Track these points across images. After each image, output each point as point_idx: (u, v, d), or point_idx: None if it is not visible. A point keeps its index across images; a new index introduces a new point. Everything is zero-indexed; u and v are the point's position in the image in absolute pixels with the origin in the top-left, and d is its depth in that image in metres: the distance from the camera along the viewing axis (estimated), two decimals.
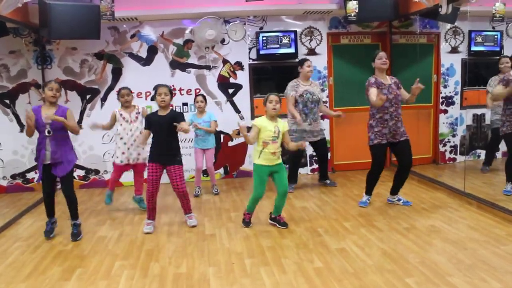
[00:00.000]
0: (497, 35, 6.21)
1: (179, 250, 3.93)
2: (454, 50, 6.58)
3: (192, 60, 6.47)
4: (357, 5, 5.63)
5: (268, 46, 6.38)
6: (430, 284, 3.07)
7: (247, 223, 4.47)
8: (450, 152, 6.85)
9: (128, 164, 5.07)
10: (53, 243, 4.20)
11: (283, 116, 5.28)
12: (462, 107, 6.68)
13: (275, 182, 4.36)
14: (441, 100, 6.73)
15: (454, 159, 6.87)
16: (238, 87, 6.58)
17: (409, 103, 4.78)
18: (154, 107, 6.28)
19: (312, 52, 6.57)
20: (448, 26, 6.44)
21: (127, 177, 5.63)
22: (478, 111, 6.46)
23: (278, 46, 6.40)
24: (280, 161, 4.31)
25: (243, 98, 6.58)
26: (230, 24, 6.42)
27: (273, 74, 6.73)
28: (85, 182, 6.45)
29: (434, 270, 3.28)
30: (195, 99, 5.69)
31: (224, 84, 6.55)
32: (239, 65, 6.53)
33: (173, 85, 6.38)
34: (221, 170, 6.68)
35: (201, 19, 6.15)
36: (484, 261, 3.39)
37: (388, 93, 4.61)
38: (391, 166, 6.67)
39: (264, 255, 3.71)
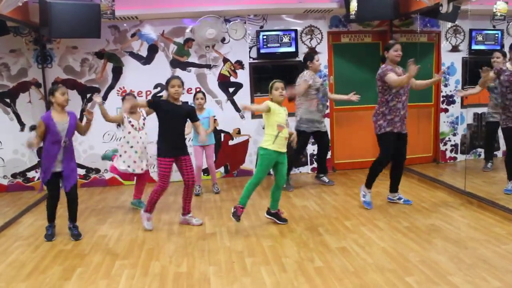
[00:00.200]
0: (497, 33, 6.21)
1: (179, 249, 3.93)
2: (454, 49, 6.57)
3: (193, 59, 6.46)
4: (356, 4, 5.64)
5: (268, 45, 6.37)
6: (430, 283, 3.07)
7: (238, 217, 4.30)
8: (451, 151, 6.85)
9: (135, 173, 5.04)
10: (54, 242, 4.20)
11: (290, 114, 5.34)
12: (462, 106, 6.67)
13: (276, 173, 4.37)
14: (441, 99, 6.72)
15: (454, 158, 6.86)
16: (238, 86, 6.58)
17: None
18: None
19: (312, 51, 6.56)
20: (449, 25, 6.43)
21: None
22: (479, 110, 6.45)
23: (279, 45, 6.40)
24: (285, 149, 4.34)
25: (243, 97, 6.57)
26: (231, 23, 6.42)
27: (273, 73, 6.70)
28: (86, 181, 6.45)
29: (435, 269, 3.28)
30: (194, 95, 5.69)
31: (224, 83, 6.54)
32: (239, 64, 6.53)
33: None
34: (222, 169, 6.68)
35: (201, 18, 6.14)
36: (484, 260, 3.38)
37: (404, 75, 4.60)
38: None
39: (265, 254, 3.71)
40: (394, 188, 5.00)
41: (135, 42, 6.35)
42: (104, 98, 6.34)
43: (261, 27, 6.49)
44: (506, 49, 6.04)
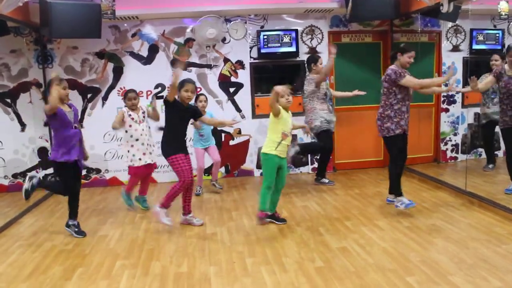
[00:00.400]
0: (498, 33, 6.20)
1: (180, 249, 3.93)
2: (455, 48, 6.57)
3: (193, 59, 6.46)
4: (351, 5, 5.71)
5: (269, 45, 6.37)
6: (431, 283, 3.07)
7: (262, 218, 4.28)
8: (452, 151, 6.84)
9: (150, 164, 5.06)
10: (54, 242, 4.20)
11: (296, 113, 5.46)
12: (463, 105, 6.67)
13: (276, 177, 4.35)
14: (442, 99, 6.71)
15: (455, 158, 6.86)
16: (239, 86, 6.58)
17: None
18: (157, 105, 6.33)
19: (313, 50, 6.56)
20: (450, 24, 6.43)
21: (127, 176, 5.61)
22: (480, 110, 6.43)
23: (279, 44, 6.39)
24: (285, 155, 4.36)
25: (244, 97, 6.57)
26: (231, 22, 6.42)
27: (274, 73, 6.72)
28: (86, 181, 6.44)
29: (435, 269, 3.28)
30: (197, 98, 5.56)
31: (225, 83, 6.54)
32: (240, 64, 6.53)
33: None
34: (222, 169, 6.68)
35: (201, 17, 6.14)
36: (485, 260, 3.38)
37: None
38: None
39: (265, 254, 3.71)
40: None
41: (136, 42, 6.35)
42: (105, 98, 6.35)
43: (262, 27, 6.49)
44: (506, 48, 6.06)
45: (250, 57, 6.53)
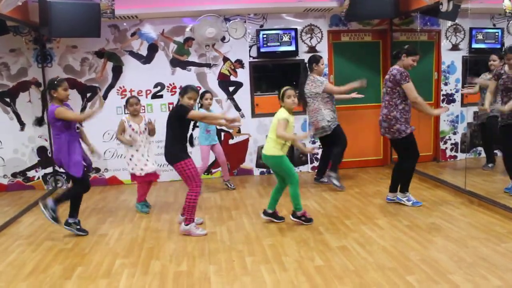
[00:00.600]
0: (498, 32, 6.20)
1: (179, 248, 3.93)
2: (455, 47, 6.57)
3: (193, 58, 6.46)
4: (348, 3, 5.70)
5: (268, 44, 6.37)
6: (431, 281, 3.07)
7: (307, 218, 4.38)
8: (451, 149, 6.85)
9: (152, 173, 5.04)
10: (54, 241, 4.21)
11: (295, 112, 5.43)
12: (462, 104, 6.67)
13: (278, 176, 4.41)
14: (441, 98, 6.71)
15: (455, 157, 6.86)
16: (238, 85, 6.58)
17: None
18: (155, 104, 6.33)
19: (312, 49, 6.56)
20: (449, 23, 6.43)
21: (128, 176, 5.61)
22: (478, 109, 6.44)
23: (279, 44, 6.39)
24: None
25: (243, 96, 6.57)
26: (231, 22, 6.41)
27: (273, 72, 6.72)
28: None
29: (435, 267, 3.28)
30: (203, 95, 5.52)
31: (224, 82, 6.54)
32: (239, 63, 6.53)
33: (173, 83, 6.39)
34: (221, 167, 6.67)
35: (201, 17, 6.14)
36: (485, 259, 3.38)
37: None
38: (391, 163, 6.67)
39: (265, 253, 3.71)
40: (394, 188, 4.99)
41: (135, 41, 6.34)
42: (104, 97, 6.34)
43: (261, 26, 6.48)
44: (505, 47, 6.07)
45: (250, 56, 6.53)
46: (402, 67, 4.60)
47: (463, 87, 6.55)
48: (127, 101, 5.05)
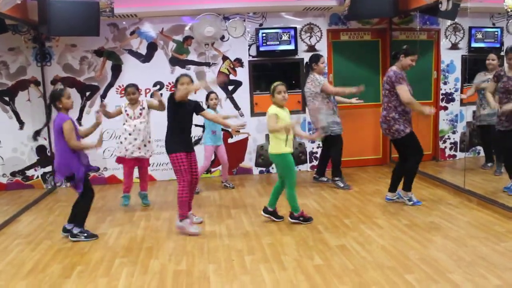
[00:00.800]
0: (497, 31, 6.20)
1: (179, 247, 3.93)
2: (454, 46, 6.57)
3: (192, 57, 6.45)
4: (350, 1, 5.69)
5: (268, 43, 6.37)
6: (430, 280, 3.07)
7: (306, 218, 4.38)
8: (450, 149, 6.85)
9: (136, 158, 5.09)
10: (53, 240, 4.20)
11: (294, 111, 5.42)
12: (462, 103, 6.67)
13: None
14: (441, 97, 6.72)
15: (454, 156, 6.86)
16: (238, 84, 6.57)
17: None
18: (154, 103, 6.31)
19: (312, 48, 6.56)
20: (448, 22, 6.42)
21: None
22: (475, 111, 6.44)
23: (278, 42, 6.39)
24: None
25: (242, 95, 6.57)
26: (230, 20, 6.41)
27: (273, 70, 6.72)
28: None
29: (434, 266, 3.28)
30: (208, 96, 5.60)
31: (225, 82, 6.53)
32: (238, 61, 6.52)
33: (172, 82, 6.38)
34: (221, 167, 6.66)
35: (200, 15, 6.13)
36: (484, 258, 3.39)
37: (407, 85, 4.60)
38: (391, 162, 6.68)
39: (264, 252, 3.71)
40: (394, 188, 4.99)
41: (134, 40, 6.34)
42: (104, 96, 6.35)
43: (261, 24, 6.48)
44: (505, 46, 6.07)
45: (249, 55, 6.52)
46: (401, 68, 4.62)
47: (461, 92, 6.55)
48: (125, 89, 5.17)
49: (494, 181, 5.59)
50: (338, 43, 6.73)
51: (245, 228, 4.35)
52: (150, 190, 5.47)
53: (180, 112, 4.30)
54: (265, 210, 4.53)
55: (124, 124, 5.08)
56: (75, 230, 4.20)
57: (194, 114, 4.44)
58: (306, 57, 6.48)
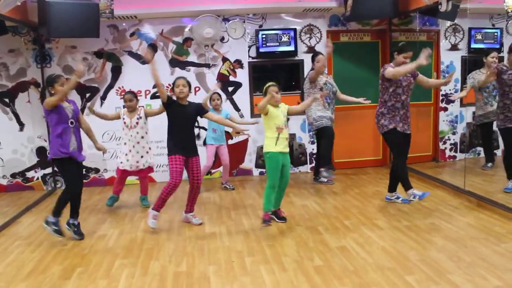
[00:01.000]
0: (497, 32, 6.20)
1: (179, 248, 3.92)
2: (454, 47, 6.57)
3: (192, 58, 6.46)
4: (351, 1, 5.68)
5: (267, 44, 6.37)
6: (430, 282, 3.07)
7: (267, 221, 4.34)
8: (450, 149, 6.85)
9: (130, 171, 5.14)
10: (53, 242, 4.20)
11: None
12: (462, 104, 6.67)
13: (280, 175, 4.37)
14: (441, 98, 6.72)
15: (454, 157, 6.86)
16: (237, 85, 6.57)
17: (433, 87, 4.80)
18: (154, 105, 6.31)
19: (311, 50, 6.56)
20: (448, 23, 6.43)
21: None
22: (478, 109, 6.43)
23: (278, 44, 6.39)
24: (288, 149, 4.36)
25: (242, 96, 6.57)
26: (230, 22, 6.41)
27: (272, 72, 6.72)
28: (85, 181, 6.42)
29: (435, 268, 3.28)
30: (210, 97, 5.63)
31: (223, 82, 6.54)
32: (238, 63, 6.53)
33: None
34: (221, 168, 6.66)
35: (199, 16, 6.14)
36: (484, 259, 3.39)
37: (403, 80, 4.59)
38: (391, 163, 6.67)
39: (264, 253, 3.71)
40: (392, 188, 4.99)
41: (134, 42, 6.34)
42: (103, 97, 6.35)
43: (260, 26, 6.48)
44: (505, 47, 6.07)
45: (249, 56, 6.53)
46: (395, 65, 4.63)
47: (462, 89, 6.54)
48: (123, 96, 5.19)
49: (494, 182, 5.59)
50: (338, 44, 6.72)
51: (245, 229, 4.35)
52: (150, 191, 5.46)
53: (176, 115, 4.32)
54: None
55: (122, 132, 5.16)
56: (50, 218, 4.20)
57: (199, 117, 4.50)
58: (306, 58, 6.50)
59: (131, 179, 5.52)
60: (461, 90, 6.59)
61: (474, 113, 6.19)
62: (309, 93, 5.67)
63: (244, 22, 6.45)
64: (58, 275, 3.47)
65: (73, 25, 5.35)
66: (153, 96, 6.40)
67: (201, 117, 4.48)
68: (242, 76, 6.56)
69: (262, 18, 6.48)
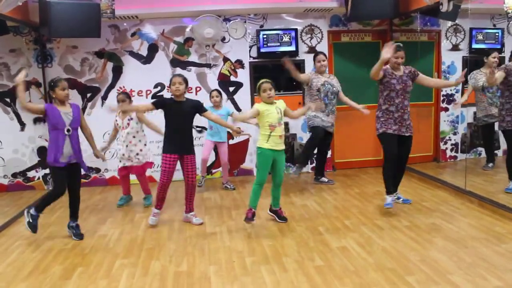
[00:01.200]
0: (498, 32, 6.20)
1: (179, 248, 3.93)
2: (455, 47, 6.57)
3: (193, 58, 6.46)
4: (351, 2, 5.69)
5: (268, 44, 6.37)
6: (430, 282, 3.07)
7: (249, 219, 4.29)
8: (451, 150, 6.84)
9: (126, 167, 5.24)
10: (54, 242, 4.20)
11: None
12: (463, 105, 6.66)
13: (272, 171, 4.36)
14: (442, 98, 6.71)
15: (455, 157, 6.86)
16: (238, 85, 6.58)
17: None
18: None
19: (312, 50, 6.56)
20: (449, 23, 6.43)
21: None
22: (481, 110, 6.42)
23: (279, 44, 6.39)
24: (283, 147, 4.34)
25: (243, 96, 6.57)
26: (231, 22, 6.41)
27: (273, 72, 6.71)
28: (86, 181, 6.44)
29: (435, 268, 3.28)
30: (210, 94, 5.81)
31: (224, 82, 6.54)
32: (239, 63, 6.53)
33: None
34: (221, 168, 6.67)
35: (199, 16, 6.14)
36: (484, 259, 3.38)
37: (397, 83, 4.59)
38: None
39: (265, 254, 3.71)
40: (393, 189, 4.98)
41: (135, 42, 6.35)
42: (104, 97, 6.35)
43: (261, 26, 6.48)
44: (506, 47, 6.08)
45: (250, 56, 6.53)
46: (390, 67, 4.66)
47: (462, 93, 6.53)
48: (116, 97, 5.30)
49: (495, 182, 5.59)
50: (339, 45, 6.73)
51: (246, 229, 4.35)
52: (152, 191, 5.46)
53: (172, 112, 4.36)
54: (270, 209, 4.58)
55: (117, 134, 5.30)
56: (32, 211, 4.22)
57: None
58: (307, 58, 6.50)
59: (133, 178, 5.51)
60: (462, 90, 6.58)
61: (475, 113, 6.18)
62: (307, 94, 5.71)
63: (245, 22, 6.45)
64: (59, 275, 3.47)
65: (74, 25, 5.36)
66: (154, 96, 6.40)
67: (200, 115, 4.49)
68: (243, 76, 6.56)
69: (263, 18, 6.48)
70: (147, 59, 6.39)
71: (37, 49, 6.13)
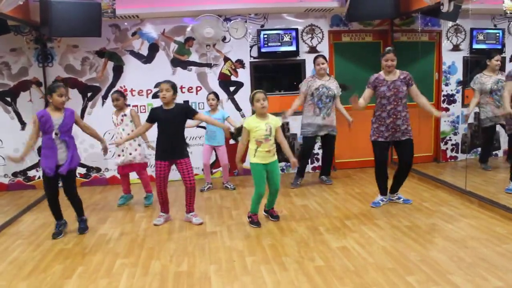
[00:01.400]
0: (498, 33, 6.19)
1: (180, 248, 3.93)
2: (455, 48, 6.56)
3: (193, 58, 6.46)
4: (349, 2, 5.71)
5: (269, 44, 6.37)
6: (431, 282, 3.07)
7: (256, 223, 4.39)
8: (452, 150, 6.84)
9: (124, 166, 5.26)
10: (55, 241, 4.21)
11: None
12: (463, 105, 6.66)
13: (267, 180, 4.37)
14: (442, 98, 6.71)
15: (455, 157, 6.86)
16: (239, 85, 6.58)
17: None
18: (155, 105, 6.31)
19: (313, 50, 6.56)
20: (450, 24, 6.42)
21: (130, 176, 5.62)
22: (487, 111, 6.41)
23: (279, 44, 6.39)
24: (275, 158, 4.34)
25: (244, 96, 6.57)
26: (231, 22, 6.41)
27: (274, 72, 6.72)
28: (86, 180, 6.45)
29: (435, 268, 3.28)
30: (206, 97, 5.81)
31: (225, 82, 6.54)
32: (240, 63, 6.53)
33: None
34: (221, 169, 6.67)
35: (200, 16, 6.14)
36: (485, 260, 3.38)
37: (387, 90, 4.60)
38: (392, 164, 6.67)
39: (265, 253, 3.71)
40: (394, 189, 4.99)
41: (136, 41, 6.35)
42: (105, 97, 6.36)
43: (262, 26, 6.48)
44: (507, 48, 6.07)
45: (250, 56, 6.53)
46: (382, 71, 4.76)
47: (463, 93, 6.51)
48: (111, 95, 5.36)
49: (496, 182, 5.59)
50: (340, 45, 6.73)
51: (246, 229, 4.36)
52: (152, 190, 5.47)
53: (161, 120, 4.40)
54: (264, 210, 4.65)
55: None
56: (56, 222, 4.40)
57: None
58: (307, 58, 6.50)
59: (134, 178, 5.52)
60: (463, 91, 6.59)
61: (476, 114, 6.18)
62: (305, 100, 5.72)
63: (245, 22, 6.45)
64: (59, 274, 3.47)
65: (75, 24, 5.37)
66: (154, 96, 6.40)
67: (191, 118, 4.49)
68: (244, 76, 6.56)
69: (263, 18, 6.48)
70: (147, 59, 6.39)
71: (38, 48, 6.14)
